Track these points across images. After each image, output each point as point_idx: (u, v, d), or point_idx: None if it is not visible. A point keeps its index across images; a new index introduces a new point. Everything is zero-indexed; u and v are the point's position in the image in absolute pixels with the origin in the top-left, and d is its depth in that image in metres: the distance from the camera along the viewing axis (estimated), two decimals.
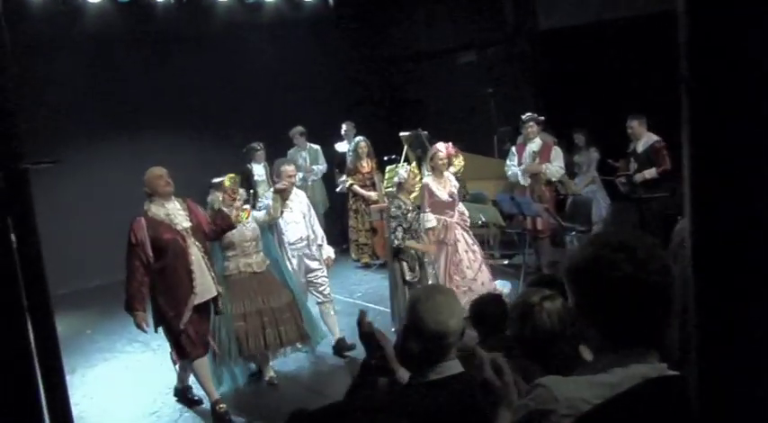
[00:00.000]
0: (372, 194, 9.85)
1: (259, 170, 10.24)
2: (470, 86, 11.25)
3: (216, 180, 6.09)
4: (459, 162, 8.62)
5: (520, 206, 8.22)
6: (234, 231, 5.82)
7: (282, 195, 6.20)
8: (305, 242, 6.78)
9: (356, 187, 9.85)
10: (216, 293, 5.52)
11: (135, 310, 5.27)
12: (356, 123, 10.82)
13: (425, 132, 9.72)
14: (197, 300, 5.38)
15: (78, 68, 9.32)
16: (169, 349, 5.74)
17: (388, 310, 7.69)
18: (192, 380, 5.95)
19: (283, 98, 11.04)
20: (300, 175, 10.65)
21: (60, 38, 9.13)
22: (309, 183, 10.73)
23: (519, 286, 7.99)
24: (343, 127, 10.82)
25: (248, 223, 6.00)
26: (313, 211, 7.04)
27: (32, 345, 2.20)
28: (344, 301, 8.45)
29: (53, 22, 8.94)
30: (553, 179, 8.72)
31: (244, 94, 10.75)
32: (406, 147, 10.53)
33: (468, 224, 7.42)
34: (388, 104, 12.54)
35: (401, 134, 10.60)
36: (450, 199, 7.18)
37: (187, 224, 5.39)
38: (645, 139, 8.22)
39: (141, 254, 5.23)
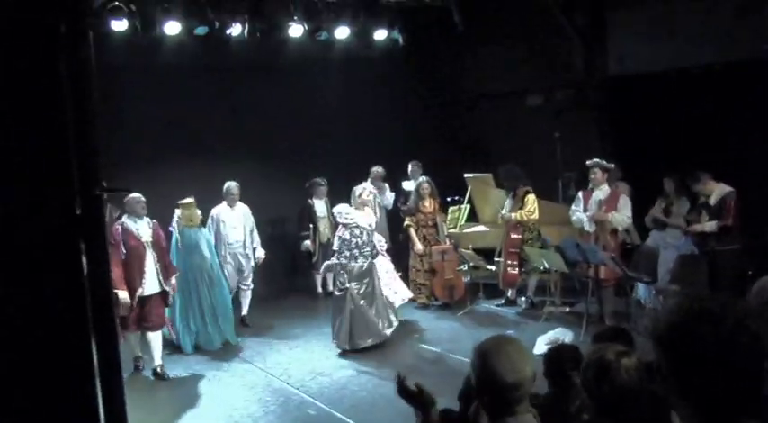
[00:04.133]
0: (419, 246, 9.75)
1: (320, 206, 10.30)
2: (537, 130, 11.17)
3: (181, 201, 8.17)
4: (530, 210, 8.58)
5: (585, 253, 8.06)
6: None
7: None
8: (240, 243, 9.05)
9: (411, 231, 9.82)
10: (161, 289, 7.33)
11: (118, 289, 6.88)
12: (420, 163, 10.80)
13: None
14: (144, 292, 7.18)
15: (154, 97, 9.53)
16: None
17: (446, 352, 7.70)
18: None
19: (350, 134, 11.12)
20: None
21: (138, 67, 9.36)
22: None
23: (580, 335, 7.81)
24: (410, 167, 10.83)
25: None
26: (253, 221, 9.17)
27: (95, 363, 2.21)
28: (400, 342, 8.37)
29: (132, 52, 9.18)
30: (619, 228, 8.54)
31: (311, 128, 10.86)
32: (469, 188, 10.47)
33: (385, 249, 8.84)
34: (454, 145, 12.51)
35: (465, 175, 10.55)
36: (370, 228, 8.34)
37: (149, 239, 7.27)
38: (717, 191, 7.99)
39: (117, 251, 6.95)
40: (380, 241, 8.61)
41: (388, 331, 8.15)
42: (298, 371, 7.51)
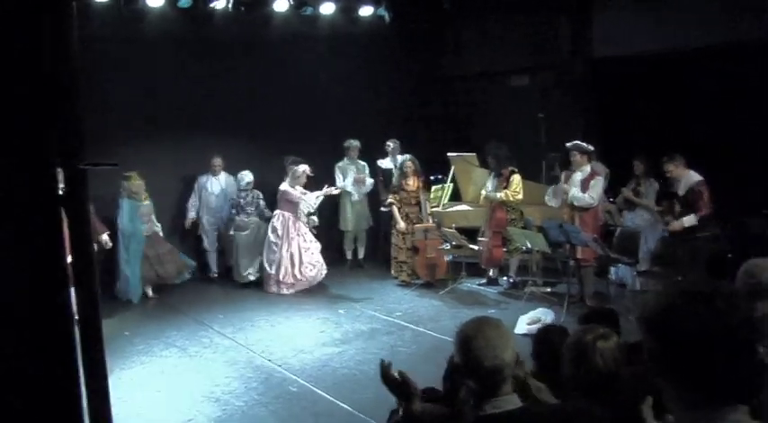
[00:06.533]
0: (401, 224, 9.82)
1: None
2: (521, 110, 11.15)
3: (126, 173, 8.96)
4: (515, 190, 8.61)
5: (568, 234, 8.09)
6: (144, 207, 9.28)
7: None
8: (218, 208, 10.24)
9: (394, 208, 9.83)
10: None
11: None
12: (404, 141, 10.80)
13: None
14: None
15: (137, 70, 9.44)
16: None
17: (428, 331, 7.72)
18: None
19: (333, 110, 11.05)
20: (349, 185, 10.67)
21: (121, 40, 9.22)
22: (358, 197, 10.74)
23: (562, 315, 7.86)
24: (389, 144, 10.82)
25: (146, 203, 9.34)
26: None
27: (77, 341, 2.18)
28: (383, 320, 8.38)
29: (114, 24, 9.05)
30: (575, 203, 8.50)
31: (294, 103, 10.77)
32: (453, 167, 10.46)
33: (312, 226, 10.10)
34: (438, 124, 12.48)
35: (449, 155, 10.54)
36: (298, 202, 9.65)
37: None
38: (685, 179, 8.00)
39: None
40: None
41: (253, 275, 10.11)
42: (280, 348, 7.49)
